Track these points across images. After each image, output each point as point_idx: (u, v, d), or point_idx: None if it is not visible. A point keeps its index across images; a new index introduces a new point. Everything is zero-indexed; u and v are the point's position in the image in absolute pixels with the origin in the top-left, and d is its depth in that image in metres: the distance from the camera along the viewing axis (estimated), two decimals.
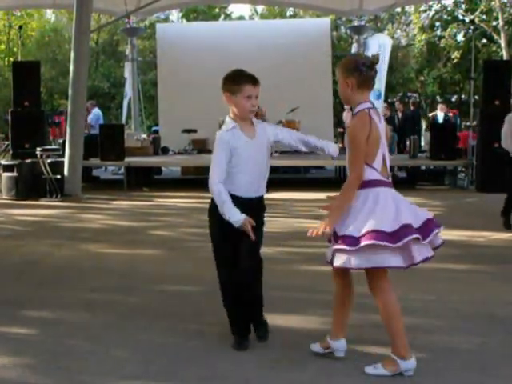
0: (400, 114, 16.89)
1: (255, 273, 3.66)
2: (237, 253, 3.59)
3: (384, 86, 18.16)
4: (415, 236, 3.09)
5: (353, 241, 3.11)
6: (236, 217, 3.44)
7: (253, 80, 3.55)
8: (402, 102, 17.84)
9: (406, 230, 3.08)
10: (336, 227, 3.23)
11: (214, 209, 3.60)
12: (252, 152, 3.55)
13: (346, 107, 17.74)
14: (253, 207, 3.56)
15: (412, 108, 17.22)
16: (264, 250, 3.81)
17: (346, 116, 17.75)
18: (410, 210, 3.20)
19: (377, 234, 3.06)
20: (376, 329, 3.97)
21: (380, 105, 17.77)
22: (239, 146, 3.51)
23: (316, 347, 3.53)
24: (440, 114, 17.38)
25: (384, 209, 3.15)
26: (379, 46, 17.66)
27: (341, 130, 17.38)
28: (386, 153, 3.29)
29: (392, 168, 16.07)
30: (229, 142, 3.50)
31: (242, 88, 3.51)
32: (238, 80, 3.55)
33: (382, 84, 17.79)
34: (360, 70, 3.23)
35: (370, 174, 3.22)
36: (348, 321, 3.52)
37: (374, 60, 3.29)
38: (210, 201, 3.69)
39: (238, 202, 3.49)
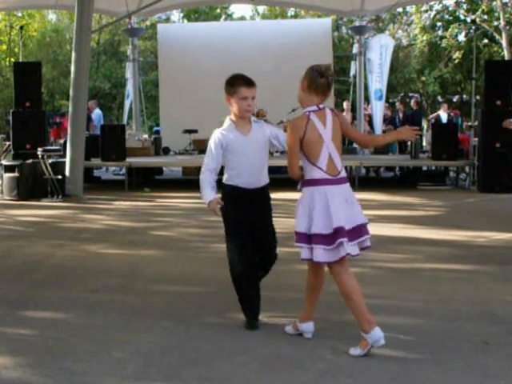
0: (401, 115, 16.88)
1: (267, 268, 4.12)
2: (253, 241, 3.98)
3: (385, 87, 18.16)
4: (344, 240, 3.45)
5: (305, 238, 3.57)
6: (206, 198, 3.89)
7: (247, 82, 3.90)
8: (403, 103, 17.80)
9: (338, 234, 3.45)
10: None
11: (225, 195, 3.97)
12: (246, 146, 3.90)
13: (345, 107, 17.77)
14: (258, 196, 3.97)
15: (415, 107, 17.21)
16: None
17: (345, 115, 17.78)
18: (347, 211, 3.50)
19: (318, 237, 3.49)
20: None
21: (382, 105, 17.78)
22: (231, 142, 3.91)
23: (289, 329, 3.86)
24: (443, 115, 17.36)
25: (325, 211, 3.48)
26: (381, 46, 17.65)
27: None
28: (334, 152, 3.55)
29: (379, 167, 15.97)
30: (221, 140, 3.93)
31: (237, 90, 3.88)
32: (233, 83, 3.91)
33: (383, 84, 17.78)
34: (311, 75, 3.56)
35: (315, 173, 3.54)
36: (316, 307, 3.84)
37: (327, 69, 3.57)
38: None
39: (245, 193, 3.92)
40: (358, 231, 3.53)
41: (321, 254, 3.51)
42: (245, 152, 3.90)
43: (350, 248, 3.50)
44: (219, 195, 3.93)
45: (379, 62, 17.57)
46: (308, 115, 3.55)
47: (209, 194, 3.88)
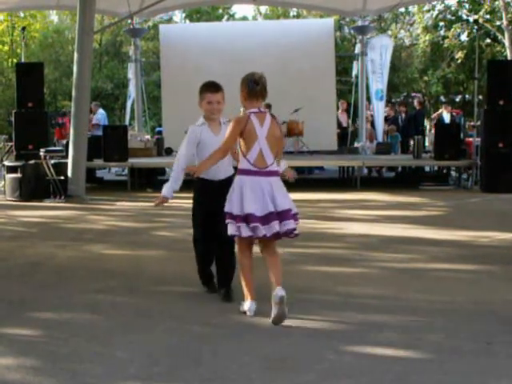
0: (403, 115, 16.84)
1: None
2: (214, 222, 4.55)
3: (386, 87, 18.16)
4: (255, 225, 4.06)
5: (231, 216, 4.17)
6: (168, 191, 4.73)
7: (212, 89, 4.60)
8: (403, 104, 17.77)
9: (249, 217, 4.07)
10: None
11: (195, 186, 4.81)
12: (215, 145, 4.40)
13: (340, 106, 17.76)
14: (223, 186, 4.42)
15: (418, 107, 17.18)
16: None
17: (341, 115, 17.78)
18: (259, 200, 4.09)
19: (232, 216, 4.15)
20: (378, 328, 3.97)
21: (383, 105, 17.77)
22: (205, 140, 4.59)
23: (242, 308, 4.31)
24: (445, 115, 17.34)
25: (241, 196, 4.11)
26: (381, 46, 17.68)
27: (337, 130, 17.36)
28: (266, 149, 4.17)
29: (381, 168, 15.97)
30: (197, 135, 4.62)
31: (204, 96, 4.60)
32: (201, 90, 4.64)
33: (384, 84, 17.78)
34: (248, 85, 4.21)
35: (243, 164, 4.19)
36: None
37: (260, 77, 4.22)
38: None
39: (212, 184, 4.61)
40: (275, 217, 4.10)
41: (234, 229, 4.15)
42: (213, 149, 4.38)
43: (265, 230, 4.08)
44: (170, 195, 4.74)
45: (380, 63, 17.59)
46: (249, 115, 4.20)
47: (167, 188, 4.73)
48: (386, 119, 17.91)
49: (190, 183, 4.74)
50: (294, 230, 4.20)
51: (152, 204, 4.67)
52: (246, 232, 4.10)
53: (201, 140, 4.59)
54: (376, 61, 17.53)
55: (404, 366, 3.39)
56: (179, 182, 4.68)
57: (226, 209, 4.19)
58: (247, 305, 4.23)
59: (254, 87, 4.21)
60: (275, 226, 4.08)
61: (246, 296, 4.27)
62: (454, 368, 3.36)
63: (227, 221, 4.16)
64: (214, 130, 4.61)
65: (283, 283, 4.07)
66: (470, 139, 14.27)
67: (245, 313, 4.22)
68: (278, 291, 4.00)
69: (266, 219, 4.08)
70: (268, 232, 4.08)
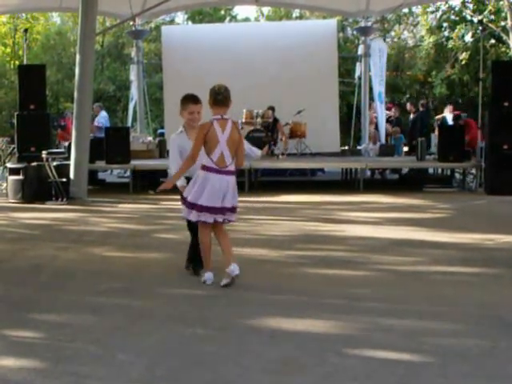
0: (411, 116, 16.71)
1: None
2: None
3: (384, 88, 18.17)
4: (203, 213, 5.02)
5: (189, 204, 5.06)
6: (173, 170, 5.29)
7: (194, 101, 5.31)
8: (413, 103, 17.69)
9: (201, 208, 5.00)
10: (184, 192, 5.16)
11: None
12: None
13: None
14: None
15: (421, 109, 17.15)
16: (271, 254, 3.78)
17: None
18: (215, 195, 4.96)
19: (189, 203, 5.07)
20: (381, 331, 3.95)
21: (382, 107, 17.74)
22: (184, 146, 5.25)
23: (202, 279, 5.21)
24: (449, 116, 17.28)
25: (201, 188, 4.97)
26: (379, 50, 17.70)
27: None
28: (226, 151, 4.98)
29: (384, 170, 15.94)
30: (177, 142, 5.34)
31: (186, 106, 5.35)
32: (184, 101, 5.37)
33: (382, 86, 17.77)
34: (212, 95, 5.03)
35: (207, 162, 4.98)
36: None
37: (220, 88, 5.02)
38: None
39: (189, 180, 5.20)
40: (219, 211, 5.02)
41: (191, 214, 5.07)
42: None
43: (205, 217, 5.01)
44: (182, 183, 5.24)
45: (379, 65, 17.62)
46: (212, 122, 4.96)
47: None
48: (388, 120, 17.87)
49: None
50: (230, 220, 5.20)
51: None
52: (194, 217, 5.03)
53: (181, 146, 5.27)
54: (376, 63, 17.56)
55: (407, 369, 3.37)
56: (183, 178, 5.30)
57: (185, 194, 5.07)
58: (207, 275, 5.12)
59: (217, 97, 4.99)
60: (219, 218, 5.05)
61: (205, 267, 5.19)
62: (457, 371, 3.33)
63: (182, 205, 5.12)
64: (192, 137, 5.20)
65: (290, 287, 4.03)
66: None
67: (204, 282, 5.07)
68: (234, 269, 4.91)
69: (213, 210, 4.99)
70: (209, 219, 5.02)
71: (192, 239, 5.60)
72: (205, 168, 4.99)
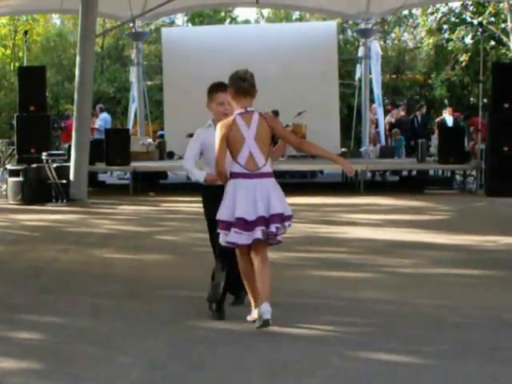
0: (419, 118, 16.64)
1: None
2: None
3: (380, 90, 18.16)
4: (239, 231, 3.93)
5: (222, 225, 4.04)
6: (201, 176, 4.30)
7: (223, 89, 4.31)
8: (422, 106, 17.60)
9: (237, 222, 3.93)
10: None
11: (203, 189, 4.42)
12: None
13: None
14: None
15: (417, 113, 17.12)
16: (272, 256, 3.78)
17: None
18: (252, 203, 3.93)
19: (222, 223, 4.02)
20: (383, 334, 3.94)
21: (381, 109, 17.73)
22: (210, 143, 4.25)
23: (250, 318, 4.12)
24: (448, 118, 17.27)
25: (236, 199, 3.96)
26: (375, 53, 17.69)
27: None
28: (256, 150, 4.00)
29: (385, 171, 15.95)
30: (201, 138, 4.40)
31: (214, 97, 4.37)
32: (211, 90, 4.42)
33: (378, 88, 17.75)
34: (234, 83, 4.05)
35: (234, 167, 4.02)
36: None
37: (245, 73, 4.05)
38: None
39: (215, 189, 4.19)
40: (262, 222, 3.94)
41: (235, 236, 3.96)
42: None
43: (246, 239, 3.95)
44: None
45: (377, 68, 17.62)
46: (234, 117, 4.02)
47: (200, 174, 4.34)
48: (390, 123, 17.84)
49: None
50: (276, 234, 4.01)
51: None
52: (231, 238, 3.99)
53: (206, 143, 4.34)
54: (375, 66, 17.56)
55: (408, 371, 3.36)
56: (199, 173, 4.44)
57: (217, 216, 4.05)
58: (254, 313, 4.05)
59: (241, 84, 4.03)
60: (257, 233, 3.93)
61: (252, 304, 4.12)
62: (458, 374, 3.33)
63: (218, 230, 4.06)
64: None
65: (293, 289, 4.01)
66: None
67: (254, 321, 4.00)
68: (265, 311, 3.87)
69: (252, 224, 3.93)
70: (247, 240, 3.96)
71: (222, 268, 4.39)
72: (233, 175, 4.03)
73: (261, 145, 4.01)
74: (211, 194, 4.28)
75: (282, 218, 4.00)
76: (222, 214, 4.01)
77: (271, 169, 4.08)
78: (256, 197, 3.95)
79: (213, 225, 4.22)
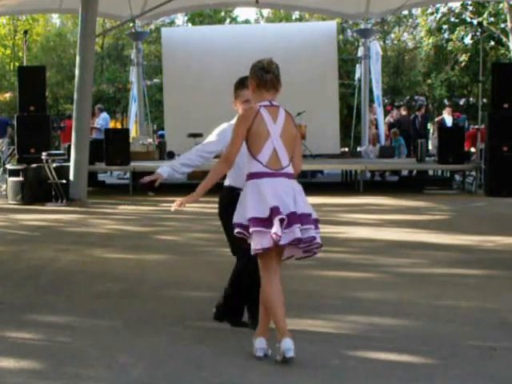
0: (420, 117, 16.65)
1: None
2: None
3: (381, 90, 18.16)
4: (282, 217, 3.33)
5: (241, 227, 3.46)
6: (165, 172, 4.16)
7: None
8: (424, 106, 17.60)
9: (274, 211, 3.34)
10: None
11: (223, 198, 4.00)
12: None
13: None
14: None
15: (417, 113, 17.13)
16: None
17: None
18: (282, 197, 3.40)
19: (254, 220, 3.38)
20: (382, 333, 3.95)
21: (380, 109, 17.74)
22: None
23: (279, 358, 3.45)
24: (448, 118, 17.27)
25: (258, 196, 3.42)
26: (376, 53, 17.69)
27: None
28: (281, 148, 3.50)
29: (384, 172, 15.89)
30: (226, 133, 3.87)
31: (239, 93, 3.99)
32: (237, 86, 4.03)
33: (378, 88, 17.76)
34: (257, 74, 3.57)
35: (254, 167, 3.50)
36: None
37: (270, 64, 3.58)
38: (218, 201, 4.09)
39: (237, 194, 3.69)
40: (298, 218, 3.40)
41: (260, 240, 3.38)
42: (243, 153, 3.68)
43: (283, 238, 3.35)
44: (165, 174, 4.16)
45: (376, 69, 17.61)
46: (258, 109, 3.53)
47: (168, 168, 4.17)
48: (390, 123, 17.86)
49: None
50: (315, 238, 3.48)
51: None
52: (264, 241, 3.36)
53: (227, 142, 3.81)
54: (375, 66, 17.56)
55: (408, 370, 3.37)
56: (183, 169, 4.21)
57: (235, 219, 3.49)
58: (286, 344, 3.39)
59: (264, 75, 3.55)
60: (296, 231, 3.36)
61: (278, 336, 3.45)
62: (457, 373, 3.33)
63: (237, 231, 3.47)
64: None
65: (293, 288, 3.98)
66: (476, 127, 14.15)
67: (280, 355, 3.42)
68: (287, 349, 3.35)
69: (288, 220, 3.36)
70: (286, 239, 3.37)
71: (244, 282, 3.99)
72: (252, 176, 3.50)
73: (287, 143, 3.54)
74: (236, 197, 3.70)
75: (313, 220, 3.49)
76: (245, 214, 3.43)
77: (293, 171, 3.60)
78: (283, 193, 3.43)
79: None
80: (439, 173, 14.83)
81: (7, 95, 26.88)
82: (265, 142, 3.48)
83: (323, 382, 3.22)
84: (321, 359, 3.50)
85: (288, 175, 3.53)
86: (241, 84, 3.99)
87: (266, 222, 3.36)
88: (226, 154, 3.60)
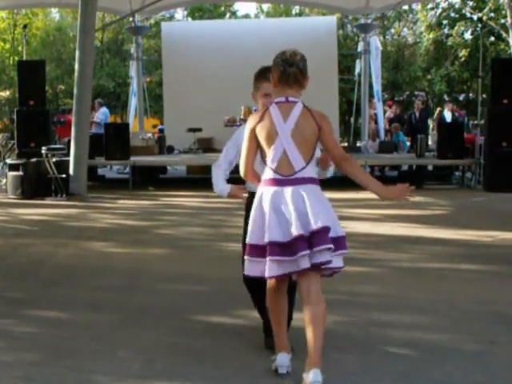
0: (417, 113, 16.65)
1: None
2: None
3: (380, 86, 18.14)
4: (276, 258, 3.03)
5: (250, 250, 3.20)
6: (225, 191, 3.57)
7: (269, 77, 3.43)
8: (421, 100, 17.59)
9: (271, 248, 3.04)
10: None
11: (247, 204, 3.59)
12: None
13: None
14: None
15: (421, 106, 17.10)
16: None
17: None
18: (284, 221, 3.03)
19: (249, 247, 3.14)
20: (381, 327, 3.97)
21: (380, 105, 17.72)
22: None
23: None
24: (447, 114, 17.26)
25: (266, 217, 3.07)
26: (375, 48, 17.67)
27: None
28: (292, 149, 3.10)
29: (383, 167, 15.83)
30: (240, 137, 3.46)
31: (260, 86, 3.55)
32: (257, 78, 3.59)
33: (378, 84, 17.74)
34: (279, 67, 3.19)
35: (263, 172, 3.19)
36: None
37: (293, 55, 3.19)
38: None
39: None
40: (304, 243, 3.01)
41: (252, 266, 3.16)
42: None
43: (290, 266, 3.06)
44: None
45: (376, 64, 17.60)
46: (268, 107, 3.20)
47: (224, 187, 3.63)
48: (389, 118, 17.85)
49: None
50: (330, 262, 3.09)
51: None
52: (263, 270, 3.09)
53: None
54: (374, 61, 17.54)
55: (406, 364, 3.38)
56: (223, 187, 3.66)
57: (247, 240, 3.20)
58: (280, 359, 3.25)
59: (286, 69, 3.17)
60: (304, 260, 3.02)
61: (276, 346, 3.32)
62: (456, 367, 3.35)
63: (245, 256, 3.23)
64: None
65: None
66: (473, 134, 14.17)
67: (276, 370, 3.27)
68: (314, 377, 3.00)
69: (291, 248, 3.01)
70: (288, 269, 3.08)
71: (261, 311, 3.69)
72: (262, 182, 3.19)
73: (300, 143, 3.11)
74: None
75: (332, 239, 3.04)
76: (251, 236, 3.16)
77: (314, 174, 3.19)
78: (289, 211, 3.03)
79: None
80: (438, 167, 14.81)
81: (7, 93, 26.86)
82: (272, 143, 3.13)
83: (325, 377, 3.23)
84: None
85: (301, 180, 3.09)
86: (261, 74, 3.55)
87: (261, 251, 3.09)
88: (241, 173, 3.28)
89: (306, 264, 3.03)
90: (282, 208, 3.05)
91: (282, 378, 3.22)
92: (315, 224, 3.00)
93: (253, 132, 3.18)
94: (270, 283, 3.26)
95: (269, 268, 3.06)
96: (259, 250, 3.09)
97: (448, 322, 4.12)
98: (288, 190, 3.07)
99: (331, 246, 3.03)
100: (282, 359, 3.23)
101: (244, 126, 3.43)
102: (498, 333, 3.88)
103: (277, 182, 3.10)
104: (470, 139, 13.84)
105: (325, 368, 3.31)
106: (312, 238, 3.01)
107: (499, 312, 4.32)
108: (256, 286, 3.49)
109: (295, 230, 2.99)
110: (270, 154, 3.14)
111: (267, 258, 3.05)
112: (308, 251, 3.01)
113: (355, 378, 3.22)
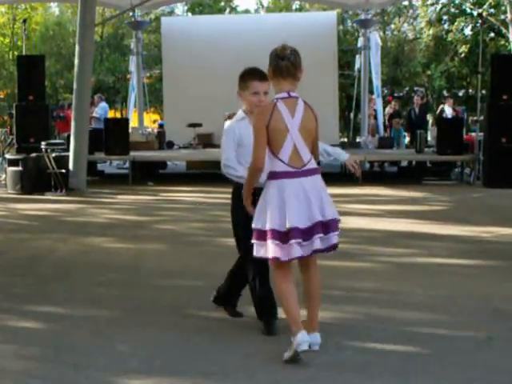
0: (417, 109, 16.63)
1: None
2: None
3: (380, 82, 18.13)
4: (298, 241, 3.29)
5: (260, 234, 3.38)
6: (241, 172, 3.70)
7: (259, 77, 3.74)
8: (420, 96, 17.57)
9: (292, 233, 3.28)
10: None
11: (236, 190, 3.79)
12: None
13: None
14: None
15: (420, 102, 17.09)
16: None
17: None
18: (306, 207, 3.32)
19: (272, 232, 3.31)
20: (379, 323, 3.98)
21: (379, 100, 17.71)
22: (245, 138, 3.73)
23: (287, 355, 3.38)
24: (448, 109, 17.25)
25: (287, 205, 3.31)
26: (375, 44, 17.65)
27: None
28: (301, 143, 3.37)
29: (383, 162, 15.86)
30: (235, 132, 3.80)
31: (248, 84, 3.76)
32: (244, 77, 3.80)
33: (378, 80, 17.73)
34: (272, 61, 3.43)
35: (276, 166, 3.37)
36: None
37: (283, 49, 3.40)
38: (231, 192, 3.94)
39: (256, 192, 3.54)
40: (322, 227, 3.35)
41: (274, 249, 3.33)
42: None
43: (302, 250, 3.33)
44: None
45: (376, 60, 17.58)
46: (275, 102, 3.38)
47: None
48: (389, 114, 17.84)
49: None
50: (336, 246, 3.47)
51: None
52: (280, 254, 3.32)
53: (242, 137, 3.78)
54: (374, 57, 17.52)
55: (404, 360, 3.39)
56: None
57: (255, 224, 3.39)
58: (298, 338, 3.28)
59: (279, 62, 3.39)
60: (316, 242, 3.34)
61: (293, 330, 3.33)
62: (454, 362, 3.35)
63: (254, 241, 3.41)
64: None
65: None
66: (472, 134, 14.18)
67: (295, 355, 3.30)
68: (315, 342, 3.38)
69: (309, 232, 3.32)
70: (306, 251, 3.35)
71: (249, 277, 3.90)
72: (273, 176, 3.37)
73: (306, 137, 3.40)
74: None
75: (332, 224, 3.41)
76: (265, 222, 3.34)
77: (316, 164, 3.49)
78: (309, 198, 3.34)
79: (246, 230, 3.59)
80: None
81: (1, 96, 26.87)
82: (284, 138, 3.34)
83: (320, 372, 3.24)
84: (318, 349, 3.52)
85: (311, 171, 3.41)
86: (250, 74, 3.77)
87: (284, 237, 3.31)
88: (253, 160, 3.39)
89: (318, 245, 3.35)
90: (301, 196, 3.33)
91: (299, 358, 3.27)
92: (332, 214, 3.40)
93: (266, 129, 3.34)
94: (283, 267, 3.43)
95: (293, 250, 3.30)
96: (281, 235, 3.30)
97: (446, 317, 4.13)
98: (303, 181, 3.36)
99: (338, 231, 3.44)
100: (302, 337, 3.28)
101: (236, 124, 3.80)
102: (496, 328, 3.89)
103: (292, 174, 3.35)
104: (468, 140, 13.83)
105: (323, 364, 3.33)
106: (326, 224, 3.36)
107: (498, 308, 4.33)
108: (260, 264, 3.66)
109: (317, 216, 3.32)
110: (282, 148, 3.36)
111: (292, 241, 3.28)
112: (322, 234, 3.34)
113: (354, 373, 3.22)
